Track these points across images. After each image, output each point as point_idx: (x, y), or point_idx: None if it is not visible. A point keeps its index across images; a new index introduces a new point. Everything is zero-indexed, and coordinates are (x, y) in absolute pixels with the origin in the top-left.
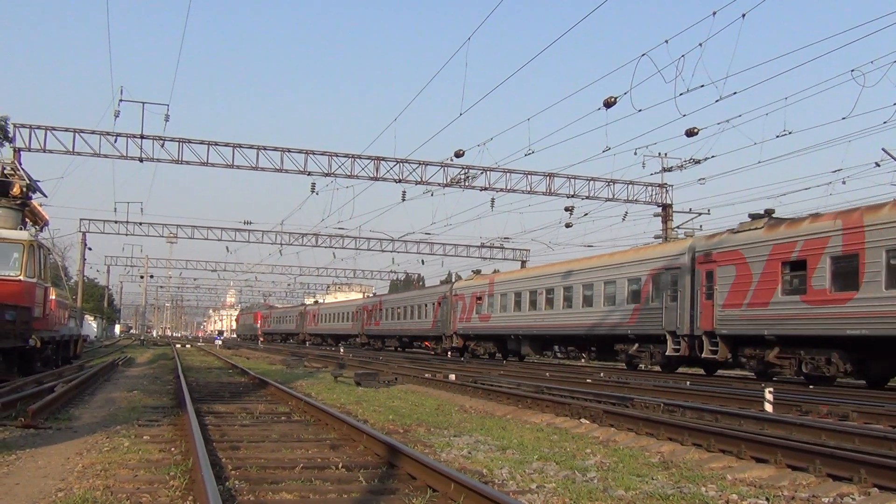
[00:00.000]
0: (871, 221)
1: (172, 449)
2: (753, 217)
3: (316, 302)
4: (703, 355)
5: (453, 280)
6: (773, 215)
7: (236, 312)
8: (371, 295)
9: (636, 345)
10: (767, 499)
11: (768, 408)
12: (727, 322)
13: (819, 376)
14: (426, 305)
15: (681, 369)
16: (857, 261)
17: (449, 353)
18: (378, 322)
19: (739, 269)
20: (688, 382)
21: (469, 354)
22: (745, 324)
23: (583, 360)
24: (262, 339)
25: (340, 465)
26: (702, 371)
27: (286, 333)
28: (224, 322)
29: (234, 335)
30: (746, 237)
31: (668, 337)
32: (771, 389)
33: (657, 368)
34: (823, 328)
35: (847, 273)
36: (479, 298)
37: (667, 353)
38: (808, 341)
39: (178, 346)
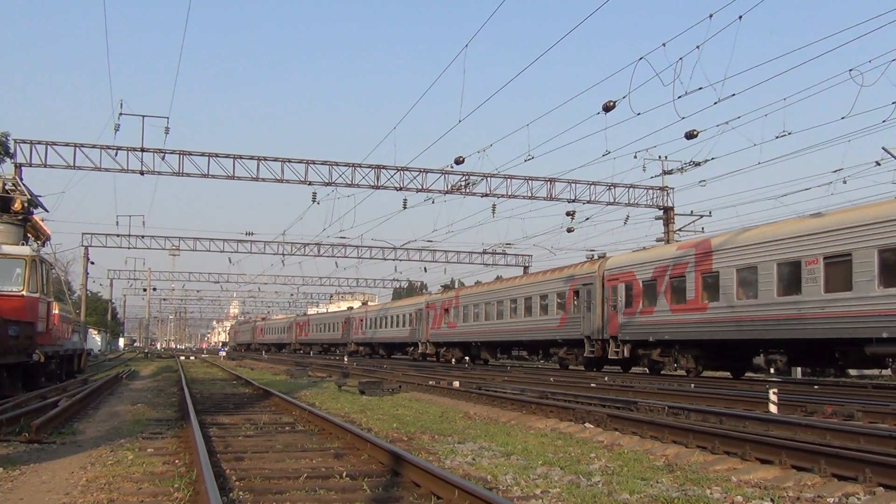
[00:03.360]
0: (461, 294)
1: (176, 461)
2: (444, 286)
3: (263, 318)
4: (429, 352)
5: (353, 307)
6: (449, 286)
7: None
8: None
9: (412, 347)
10: (772, 500)
11: (773, 409)
12: (433, 336)
13: (460, 358)
14: (337, 323)
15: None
16: (460, 310)
17: (351, 353)
18: (307, 334)
19: (436, 311)
20: (692, 385)
21: (358, 353)
22: (436, 336)
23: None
24: (241, 348)
25: (345, 474)
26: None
27: (246, 343)
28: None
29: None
30: (439, 297)
31: (417, 343)
32: (775, 390)
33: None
34: (451, 338)
35: (456, 316)
36: (362, 320)
37: (419, 351)
38: (454, 344)
39: (183, 358)
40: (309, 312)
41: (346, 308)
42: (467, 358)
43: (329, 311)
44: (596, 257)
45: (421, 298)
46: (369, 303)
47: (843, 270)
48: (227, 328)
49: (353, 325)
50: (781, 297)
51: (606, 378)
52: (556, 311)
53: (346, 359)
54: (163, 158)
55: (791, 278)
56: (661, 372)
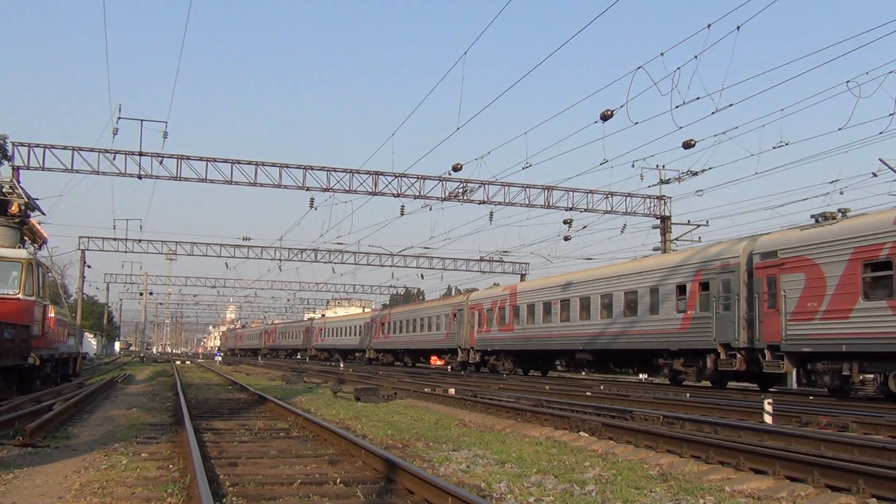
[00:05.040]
0: (392, 312)
1: (170, 466)
2: (392, 300)
3: (243, 327)
4: (373, 356)
5: (314, 317)
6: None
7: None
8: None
9: (361, 353)
10: None
11: (768, 419)
12: (375, 344)
13: (391, 362)
14: (299, 331)
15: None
16: (391, 324)
17: (308, 357)
18: (274, 340)
19: (377, 324)
20: (688, 394)
21: (317, 358)
22: (377, 344)
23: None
24: (230, 352)
25: (339, 481)
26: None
27: (231, 348)
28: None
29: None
30: (380, 313)
31: (365, 350)
32: (770, 401)
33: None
34: (386, 346)
35: (389, 329)
36: (321, 330)
37: (366, 356)
38: (388, 351)
39: (178, 362)
40: (305, 318)
41: (307, 319)
42: (400, 362)
43: (293, 321)
44: (465, 291)
45: (368, 313)
46: (365, 309)
47: (565, 308)
48: (222, 333)
49: (313, 334)
50: (543, 324)
51: (602, 387)
52: (443, 328)
53: (341, 365)
54: (161, 163)
55: (547, 312)
56: (499, 371)
